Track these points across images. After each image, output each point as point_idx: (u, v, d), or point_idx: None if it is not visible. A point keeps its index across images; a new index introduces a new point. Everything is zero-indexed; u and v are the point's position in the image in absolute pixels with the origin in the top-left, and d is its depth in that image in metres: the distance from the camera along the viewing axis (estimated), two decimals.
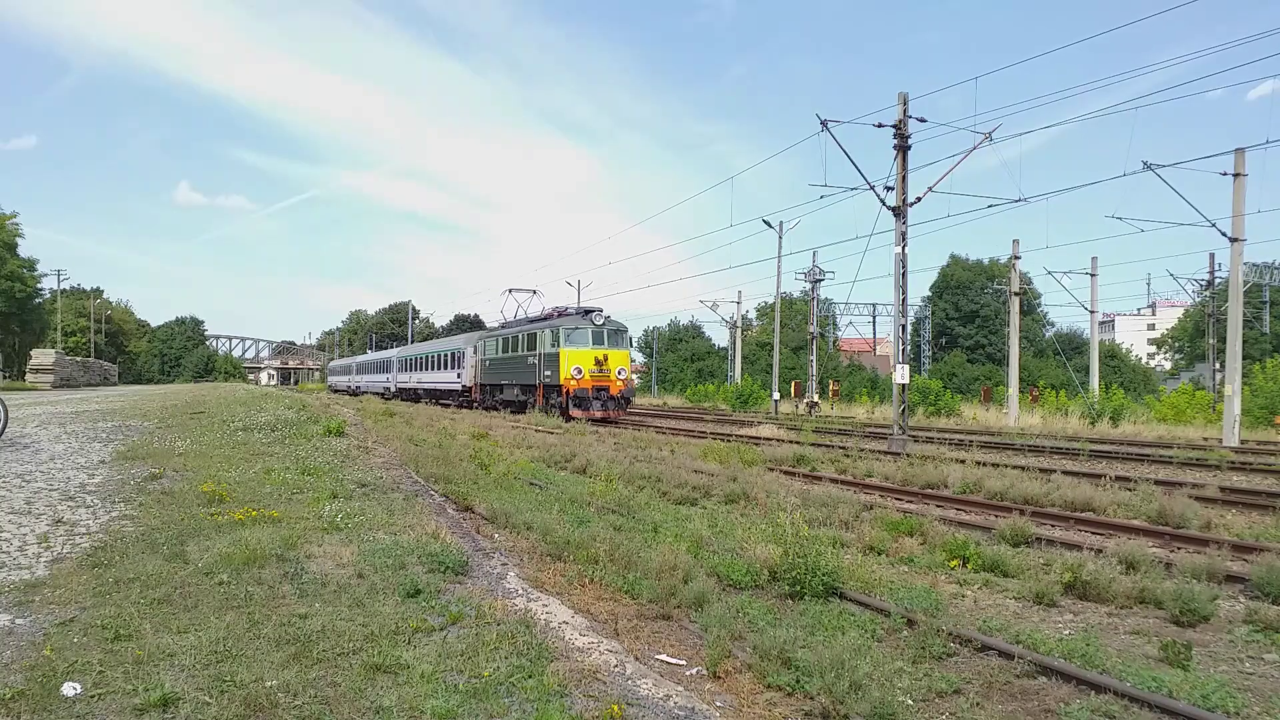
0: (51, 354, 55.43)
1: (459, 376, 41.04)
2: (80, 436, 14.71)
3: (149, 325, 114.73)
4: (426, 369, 48.59)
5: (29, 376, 52.23)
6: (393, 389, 56.71)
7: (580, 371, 28.10)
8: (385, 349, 77.77)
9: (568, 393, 28.04)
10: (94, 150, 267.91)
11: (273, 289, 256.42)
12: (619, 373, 28.93)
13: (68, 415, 20.35)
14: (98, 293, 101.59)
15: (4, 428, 13.24)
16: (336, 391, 76.25)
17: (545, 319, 31.94)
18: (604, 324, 29.50)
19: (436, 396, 46.59)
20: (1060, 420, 31.22)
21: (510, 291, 40.61)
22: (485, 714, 3.57)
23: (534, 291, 40.27)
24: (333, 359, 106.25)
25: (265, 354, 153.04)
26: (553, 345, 29.47)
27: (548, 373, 29.51)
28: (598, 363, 28.39)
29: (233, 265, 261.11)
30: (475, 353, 39.04)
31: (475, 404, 38.69)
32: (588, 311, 30.21)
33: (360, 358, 78.63)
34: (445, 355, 44.95)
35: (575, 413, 27.56)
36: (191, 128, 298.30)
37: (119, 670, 3.84)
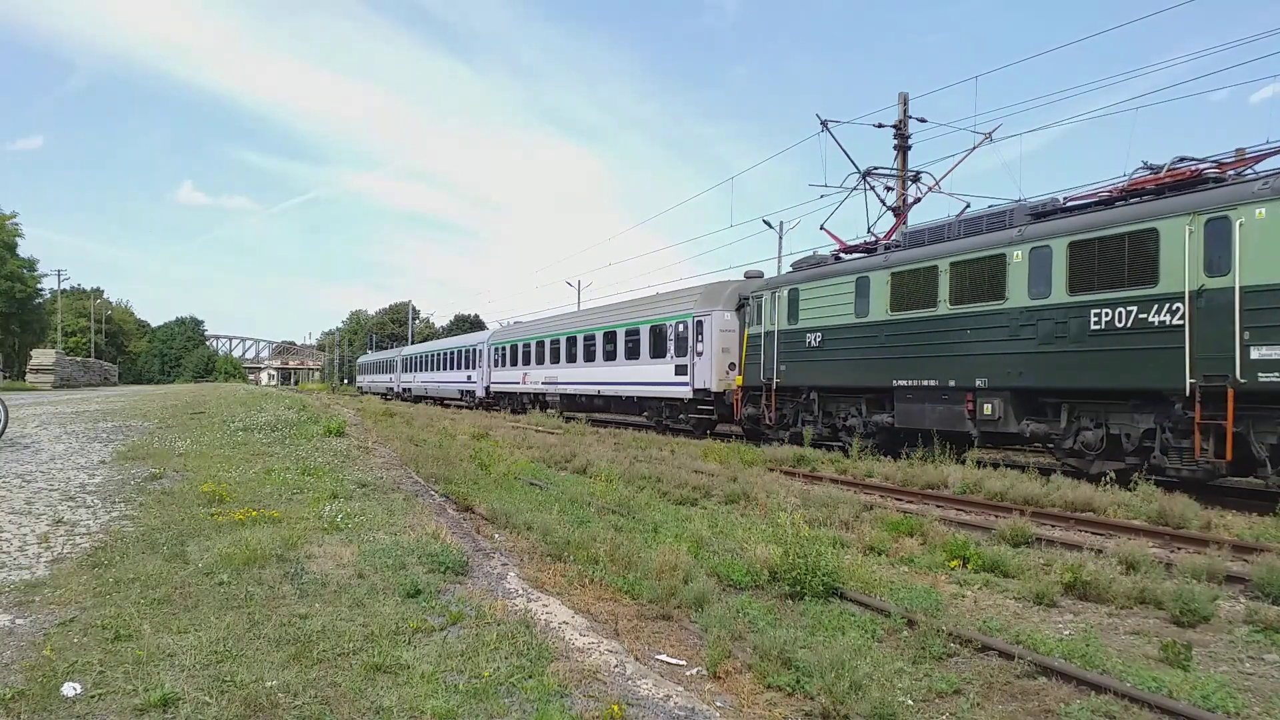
0: (52, 354, 55.46)
1: (681, 373, 21.91)
2: (80, 436, 14.71)
3: (149, 325, 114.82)
4: (571, 360, 28.57)
5: (29, 376, 52.24)
6: (480, 393, 38.48)
7: None
8: (468, 332, 58.23)
9: None
10: (98, 150, 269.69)
11: (273, 289, 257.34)
12: None
13: (68, 415, 20.34)
14: (98, 293, 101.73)
15: (4, 428, 13.25)
16: (371, 394, 57.77)
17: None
18: None
19: (601, 407, 27.54)
20: None
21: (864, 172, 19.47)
22: (485, 714, 3.57)
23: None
24: (362, 354, 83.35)
25: (265, 354, 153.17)
26: None
27: None
28: None
29: (234, 265, 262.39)
30: (747, 319, 19.68)
31: (757, 429, 19.09)
32: None
33: (414, 349, 56.14)
34: (632, 334, 24.53)
35: None
36: (196, 128, 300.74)
37: (119, 670, 3.84)
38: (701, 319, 21.23)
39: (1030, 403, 12.79)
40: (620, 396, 25.53)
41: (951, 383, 13.64)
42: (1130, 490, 10.15)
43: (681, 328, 22.06)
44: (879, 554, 7.59)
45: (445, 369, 44.89)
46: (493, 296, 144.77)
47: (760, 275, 21.46)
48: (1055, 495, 10.26)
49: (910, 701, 4.27)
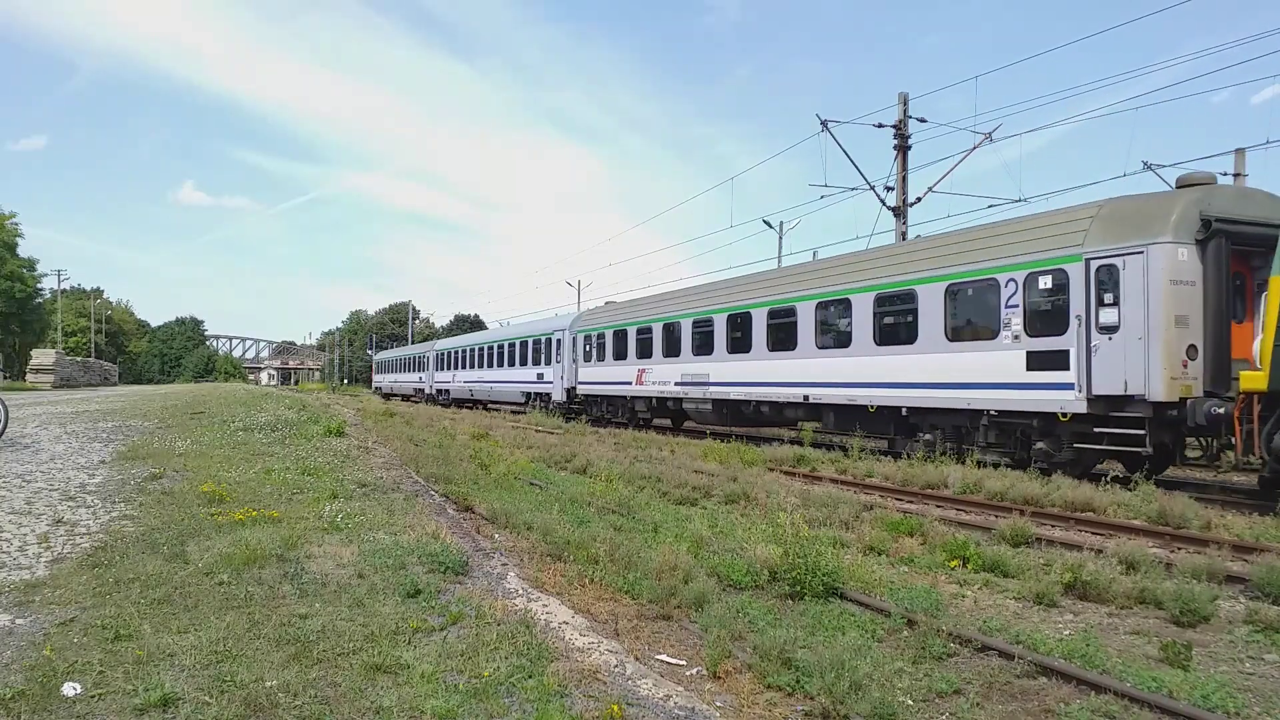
0: (52, 354, 55.44)
1: (1042, 365, 11.80)
2: (80, 436, 14.70)
3: (149, 325, 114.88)
4: (738, 349, 19.12)
5: (29, 376, 52.21)
6: (559, 395, 28.71)
7: None
8: (468, 331, 47.67)
9: None
10: (99, 151, 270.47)
11: (274, 289, 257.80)
12: None
13: (68, 415, 20.33)
14: (98, 293, 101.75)
15: (4, 428, 13.24)
16: (390, 396, 51.65)
17: None
18: None
19: (792, 419, 18.69)
20: None
21: None
22: (485, 714, 3.57)
23: None
24: (366, 352, 73.20)
25: (265, 354, 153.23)
26: None
27: None
28: None
29: (235, 265, 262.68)
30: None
31: None
32: None
33: (454, 341, 45.33)
34: (889, 304, 14.84)
35: None
36: (196, 128, 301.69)
37: (119, 670, 3.84)
38: (1112, 263, 11.06)
39: None
40: (856, 405, 15.53)
41: None
42: (1130, 490, 10.15)
43: (1044, 283, 11.95)
44: (879, 554, 7.59)
45: (502, 365, 33.96)
46: (493, 297, 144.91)
47: (1210, 178, 11.41)
48: (1055, 495, 10.25)
49: (910, 701, 4.27)
